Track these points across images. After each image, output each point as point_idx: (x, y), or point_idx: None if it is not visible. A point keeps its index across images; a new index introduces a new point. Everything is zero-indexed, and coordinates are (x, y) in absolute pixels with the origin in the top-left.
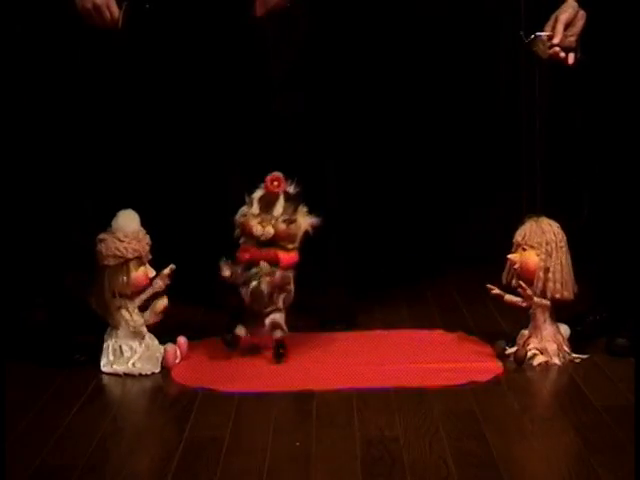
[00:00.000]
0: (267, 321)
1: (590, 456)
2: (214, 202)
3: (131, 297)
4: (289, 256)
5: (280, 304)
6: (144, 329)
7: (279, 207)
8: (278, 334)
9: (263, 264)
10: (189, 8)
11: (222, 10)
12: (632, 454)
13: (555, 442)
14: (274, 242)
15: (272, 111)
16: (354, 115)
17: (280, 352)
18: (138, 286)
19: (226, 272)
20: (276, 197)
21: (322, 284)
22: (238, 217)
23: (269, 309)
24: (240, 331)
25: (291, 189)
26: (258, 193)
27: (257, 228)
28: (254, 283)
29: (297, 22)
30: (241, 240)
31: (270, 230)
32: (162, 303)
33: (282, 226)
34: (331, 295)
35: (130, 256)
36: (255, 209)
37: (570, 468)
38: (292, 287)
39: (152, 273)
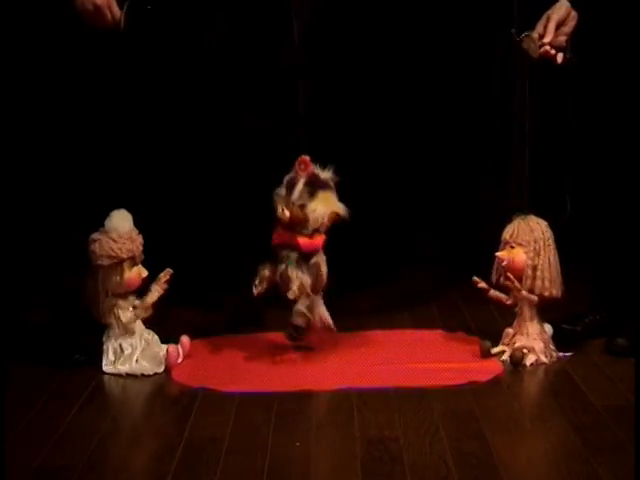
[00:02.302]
0: (294, 309)
1: (590, 456)
2: (210, 200)
3: (124, 296)
4: (308, 241)
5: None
6: (135, 326)
7: (296, 191)
8: (299, 321)
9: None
10: (189, 10)
11: (220, 13)
12: (632, 454)
13: (555, 442)
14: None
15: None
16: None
17: (293, 335)
18: (131, 286)
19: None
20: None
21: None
22: (274, 197)
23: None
24: (298, 320)
25: (324, 174)
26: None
27: (278, 211)
28: (282, 266)
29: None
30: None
31: (286, 213)
32: (151, 297)
33: (295, 210)
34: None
35: (124, 256)
36: (282, 191)
37: (570, 468)
38: (323, 272)
39: (145, 273)
